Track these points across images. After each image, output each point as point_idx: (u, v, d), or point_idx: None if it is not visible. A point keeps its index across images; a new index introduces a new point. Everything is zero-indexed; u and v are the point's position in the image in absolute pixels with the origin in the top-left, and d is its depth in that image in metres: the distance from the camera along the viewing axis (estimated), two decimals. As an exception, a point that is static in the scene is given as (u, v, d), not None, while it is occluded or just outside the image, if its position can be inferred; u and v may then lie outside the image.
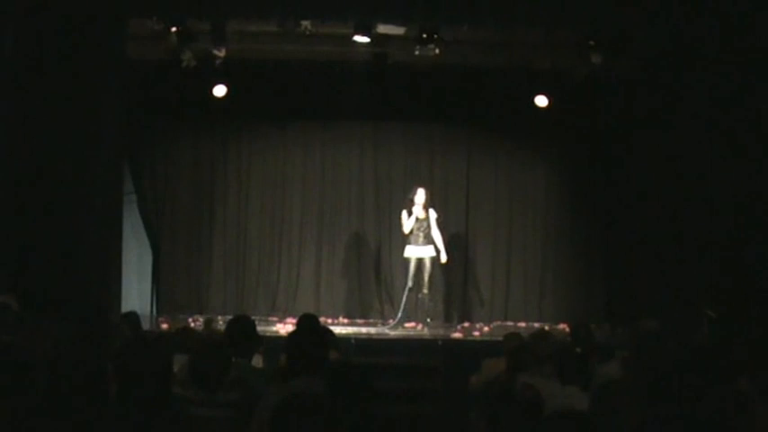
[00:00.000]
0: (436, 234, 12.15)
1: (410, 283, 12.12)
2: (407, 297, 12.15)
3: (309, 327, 7.18)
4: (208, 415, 4.95)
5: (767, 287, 9.56)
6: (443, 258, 12.30)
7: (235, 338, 6.10)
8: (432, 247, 12.15)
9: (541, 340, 6.93)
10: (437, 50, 11.30)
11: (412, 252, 12.16)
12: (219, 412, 5.05)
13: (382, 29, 11.19)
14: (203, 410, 4.95)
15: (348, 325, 12.62)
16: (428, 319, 12.30)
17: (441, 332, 11.99)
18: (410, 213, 12.10)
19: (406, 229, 12.08)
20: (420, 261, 12.11)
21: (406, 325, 12.13)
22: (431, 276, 12.21)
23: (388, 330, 12.15)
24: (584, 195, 13.93)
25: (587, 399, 5.50)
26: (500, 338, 8.73)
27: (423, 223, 12.12)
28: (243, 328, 6.24)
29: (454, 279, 13.83)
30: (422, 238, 12.09)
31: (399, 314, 12.33)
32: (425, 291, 12.12)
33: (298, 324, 7.50)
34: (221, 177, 14.01)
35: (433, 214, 12.16)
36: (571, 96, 12.88)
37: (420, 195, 12.11)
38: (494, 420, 5.00)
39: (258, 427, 4.87)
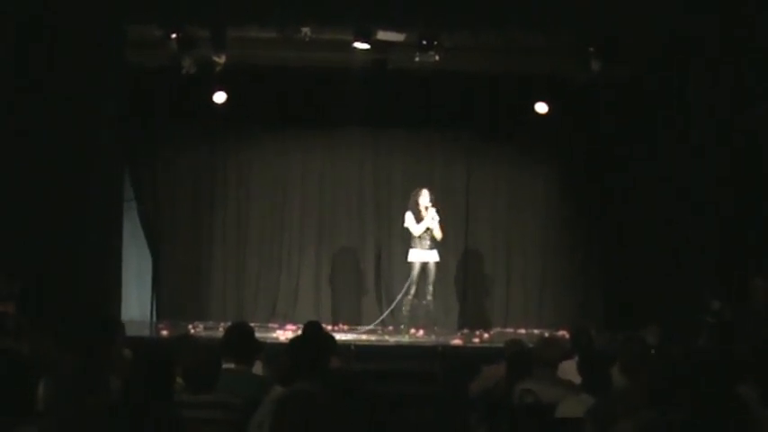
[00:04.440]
0: (438, 234, 12.03)
1: (412, 290, 12.06)
2: (404, 302, 12.12)
3: (312, 333, 7.21)
4: (202, 417, 4.94)
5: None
6: (437, 235, 12.09)
7: (233, 345, 6.10)
8: (436, 251, 12.12)
9: (549, 346, 6.91)
10: (437, 57, 11.29)
11: (417, 256, 12.06)
12: (213, 414, 5.05)
13: (382, 35, 11.20)
14: (197, 413, 4.94)
15: (348, 331, 12.61)
16: (435, 327, 12.29)
17: (441, 339, 11.97)
18: (415, 214, 12.01)
19: (417, 232, 12.01)
20: (425, 265, 12.07)
21: (411, 331, 12.11)
22: (435, 283, 12.18)
23: (363, 335, 12.14)
24: (583, 201, 13.93)
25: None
26: (499, 345, 8.73)
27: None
28: (241, 335, 6.24)
29: (454, 286, 13.85)
30: (428, 241, 12.04)
31: (385, 313, 12.56)
32: (430, 297, 12.08)
33: (303, 331, 7.55)
34: (221, 184, 14.01)
35: (435, 216, 12.01)
36: (571, 103, 12.89)
37: (425, 197, 12.02)
38: (493, 426, 5.01)
39: (257, 430, 4.87)
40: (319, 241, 14.02)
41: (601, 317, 13.37)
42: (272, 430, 3.62)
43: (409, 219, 12.03)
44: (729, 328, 9.13)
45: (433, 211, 11.98)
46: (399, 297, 12.50)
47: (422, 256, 12.03)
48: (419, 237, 11.98)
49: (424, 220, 11.93)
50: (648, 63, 11.64)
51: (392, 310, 12.90)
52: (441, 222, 12.05)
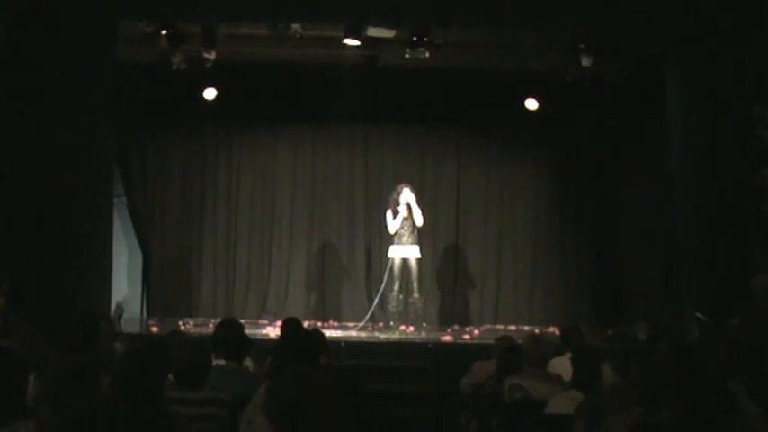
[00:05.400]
0: (417, 215, 11.94)
1: (396, 286, 12.08)
2: (390, 299, 12.12)
3: (293, 330, 7.16)
4: (193, 413, 4.94)
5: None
6: (418, 222, 12.03)
7: (223, 341, 6.10)
8: (417, 247, 12.09)
9: (539, 343, 6.92)
10: (427, 53, 11.31)
11: (396, 252, 12.06)
12: (204, 410, 5.05)
13: (372, 32, 11.20)
14: (188, 409, 4.93)
15: (338, 328, 12.60)
16: (423, 324, 12.30)
17: (431, 335, 11.97)
18: (395, 213, 12.04)
19: (392, 229, 12.03)
20: (405, 262, 12.06)
21: (401, 328, 12.10)
22: (419, 279, 12.18)
23: (353, 331, 12.13)
24: (573, 198, 13.96)
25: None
26: (490, 341, 8.73)
27: (408, 221, 12.03)
28: (231, 331, 6.23)
29: (444, 282, 13.86)
30: (406, 237, 12.00)
31: (369, 314, 12.46)
32: (416, 295, 12.09)
33: (283, 329, 7.44)
34: (211, 180, 14.00)
35: (411, 197, 11.95)
36: (561, 99, 12.91)
37: (405, 194, 12.01)
38: (483, 422, 5.01)
39: (247, 426, 4.87)
40: (309, 238, 14.02)
41: (592, 313, 13.39)
42: (266, 406, 3.62)
43: (388, 216, 12.05)
44: (723, 327, 9.15)
45: (412, 197, 11.92)
46: (378, 295, 12.53)
47: (401, 252, 12.03)
48: (397, 233, 11.96)
49: (397, 216, 11.95)
50: (647, 63, 11.63)
51: (381, 307, 12.88)
52: (423, 213, 12.04)
